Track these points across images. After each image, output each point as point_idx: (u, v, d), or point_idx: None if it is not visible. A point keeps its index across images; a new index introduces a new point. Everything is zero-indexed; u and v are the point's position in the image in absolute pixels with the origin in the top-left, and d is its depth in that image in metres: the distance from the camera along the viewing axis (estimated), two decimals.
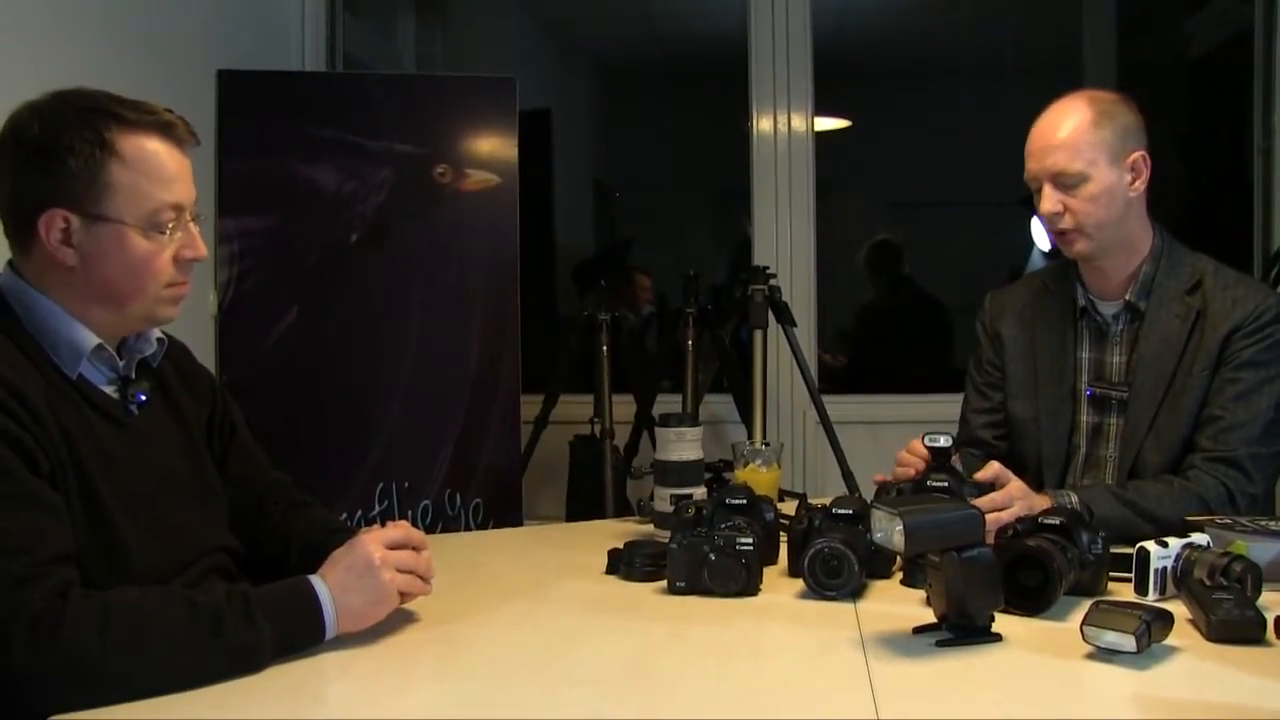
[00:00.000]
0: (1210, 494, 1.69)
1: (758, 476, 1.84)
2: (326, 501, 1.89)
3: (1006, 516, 1.54)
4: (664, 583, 1.50)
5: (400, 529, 1.36)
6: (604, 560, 1.61)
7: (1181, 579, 1.37)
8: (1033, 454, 1.88)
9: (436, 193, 3.04)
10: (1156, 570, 1.38)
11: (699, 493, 1.74)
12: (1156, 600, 1.37)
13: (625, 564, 1.58)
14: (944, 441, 1.64)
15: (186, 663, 1.13)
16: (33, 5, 2.31)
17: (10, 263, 1.31)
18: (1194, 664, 1.20)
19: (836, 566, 1.44)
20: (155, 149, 1.29)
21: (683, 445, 1.75)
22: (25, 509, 1.14)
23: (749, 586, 1.46)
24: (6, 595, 1.09)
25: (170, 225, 1.30)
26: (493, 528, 3.05)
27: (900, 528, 1.22)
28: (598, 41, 4.71)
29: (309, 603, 1.24)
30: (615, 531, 1.83)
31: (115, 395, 1.34)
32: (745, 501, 1.60)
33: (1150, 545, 1.40)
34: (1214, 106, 3.85)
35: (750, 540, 1.47)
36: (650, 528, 1.79)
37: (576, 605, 1.47)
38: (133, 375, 1.36)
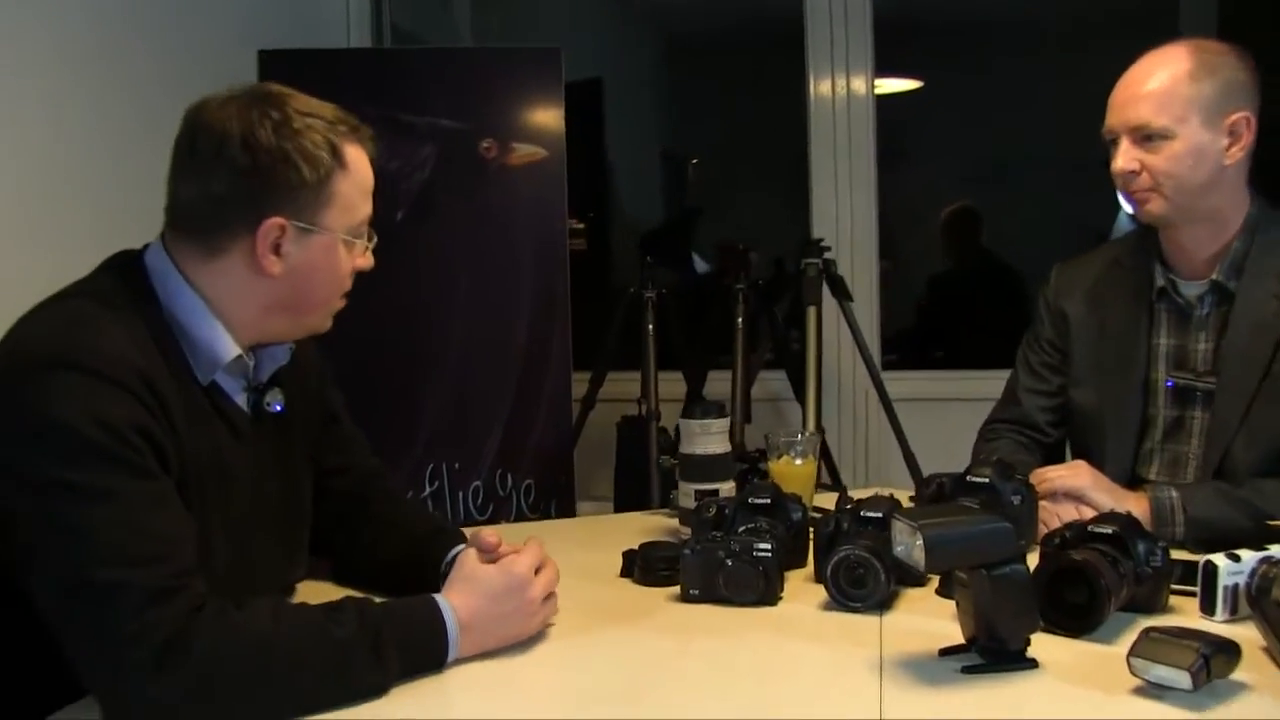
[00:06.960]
0: None
1: (792, 470, 1.72)
2: None
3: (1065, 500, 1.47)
4: (679, 589, 1.39)
5: (535, 552, 1.30)
6: (620, 561, 1.51)
7: (1256, 598, 1.16)
8: (1096, 448, 1.70)
9: (482, 168, 2.98)
10: (1226, 587, 1.20)
11: (726, 488, 1.63)
12: (1226, 621, 1.20)
13: (640, 568, 1.47)
14: None
15: (311, 696, 1.07)
16: None
17: (164, 243, 1.23)
18: (1265, 705, 1.03)
19: (861, 576, 1.31)
20: (362, 158, 1.26)
21: (708, 438, 1.64)
22: (163, 512, 1.07)
23: (767, 595, 1.34)
24: (141, 610, 1.00)
25: (362, 236, 1.27)
26: (544, 509, 3.00)
27: (920, 542, 1.09)
28: (658, 7, 4.57)
29: (438, 638, 1.17)
30: (643, 527, 1.72)
31: (245, 406, 1.27)
32: (770, 500, 1.49)
33: (1219, 559, 1.22)
34: None
35: (768, 546, 1.35)
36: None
37: (581, 614, 1.35)
38: (263, 380, 1.30)
